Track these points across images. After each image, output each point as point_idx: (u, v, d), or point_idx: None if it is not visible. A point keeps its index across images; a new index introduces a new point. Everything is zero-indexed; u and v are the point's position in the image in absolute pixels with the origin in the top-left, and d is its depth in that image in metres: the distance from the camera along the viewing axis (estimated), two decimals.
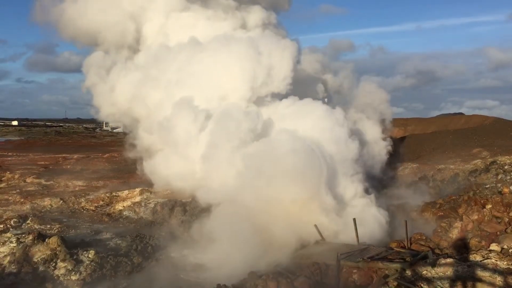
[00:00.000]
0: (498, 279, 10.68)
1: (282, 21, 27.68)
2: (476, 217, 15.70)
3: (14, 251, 13.82)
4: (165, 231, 16.98)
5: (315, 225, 14.94)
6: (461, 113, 78.03)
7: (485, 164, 25.83)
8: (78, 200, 20.22)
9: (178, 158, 19.60)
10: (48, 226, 16.39)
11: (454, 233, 15.35)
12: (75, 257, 13.82)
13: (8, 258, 13.61)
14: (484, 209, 16.01)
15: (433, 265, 11.50)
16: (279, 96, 20.78)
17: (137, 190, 20.83)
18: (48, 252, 13.80)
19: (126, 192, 20.87)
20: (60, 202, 19.69)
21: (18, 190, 21.97)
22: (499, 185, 18.87)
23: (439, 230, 15.72)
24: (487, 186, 19.17)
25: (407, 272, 11.64)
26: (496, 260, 11.46)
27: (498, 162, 25.32)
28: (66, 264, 13.51)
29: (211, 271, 13.23)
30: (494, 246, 12.84)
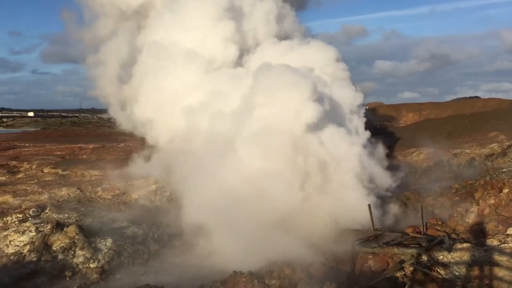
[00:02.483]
0: None
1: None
2: (493, 201, 15.54)
3: (34, 240, 14.07)
4: (181, 219, 17.08)
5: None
6: (477, 97, 77.00)
7: (502, 148, 25.51)
8: (94, 189, 20.42)
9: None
10: (66, 215, 16.60)
11: (471, 218, 15.23)
12: (93, 245, 14.03)
13: (28, 247, 13.87)
14: (501, 193, 15.83)
15: (450, 250, 11.46)
16: None
17: (152, 178, 20.96)
18: (67, 241, 14.02)
19: (141, 180, 21.01)
20: (77, 192, 19.90)
21: (35, 180, 22.24)
22: None
23: (455, 215, 15.61)
24: (504, 170, 18.93)
25: (423, 257, 11.61)
26: None
27: None
28: (84, 252, 13.72)
29: (226, 258, 13.32)
30: (511, 231, 12.73)
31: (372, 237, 13.61)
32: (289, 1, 25.71)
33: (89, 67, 27.51)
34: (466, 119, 41.36)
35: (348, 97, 19.66)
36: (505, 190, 15.90)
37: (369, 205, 14.60)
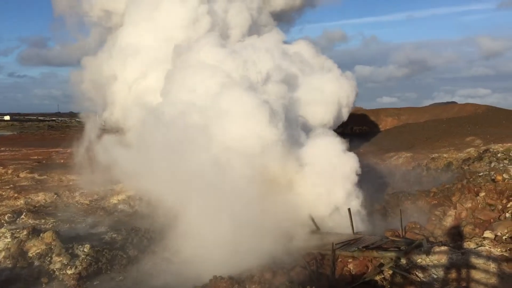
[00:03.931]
0: (492, 266, 10.79)
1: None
2: (469, 205, 15.82)
3: (9, 246, 13.78)
4: (161, 224, 16.92)
5: (310, 215, 14.99)
6: (454, 102, 78.49)
7: (478, 152, 26.00)
8: (72, 194, 20.10)
9: None
10: (43, 220, 16.33)
11: (448, 221, 15.48)
12: (70, 251, 13.79)
13: (3, 253, 13.57)
14: (478, 197, 16.13)
15: (428, 253, 11.60)
16: None
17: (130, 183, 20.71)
18: (43, 247, 13.76)
19: (120, 185, 20.75)
20: (54, 197, 19.57)
21: (11, 185, 21.79)
22: (492, 173, 18.94)
23: (433, 219, 15.84)
24: (481, 174, 19.24)
25: (402, 260, 11.72)
26: (490, 247, 11.57)
27: (491, 150, 25.50)
28: (61, 259, 13.48)
29: (206, 263, 13.22)
30: (488, 233, 12.95)
31: (352, 240, 13.69)
32: (275, 16, 25.98)
33: (75, 82, 27.21)
34: (443, 124, 42.05)
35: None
36: (482, 194, 16.21)
37: (349, 209, 14.69)
